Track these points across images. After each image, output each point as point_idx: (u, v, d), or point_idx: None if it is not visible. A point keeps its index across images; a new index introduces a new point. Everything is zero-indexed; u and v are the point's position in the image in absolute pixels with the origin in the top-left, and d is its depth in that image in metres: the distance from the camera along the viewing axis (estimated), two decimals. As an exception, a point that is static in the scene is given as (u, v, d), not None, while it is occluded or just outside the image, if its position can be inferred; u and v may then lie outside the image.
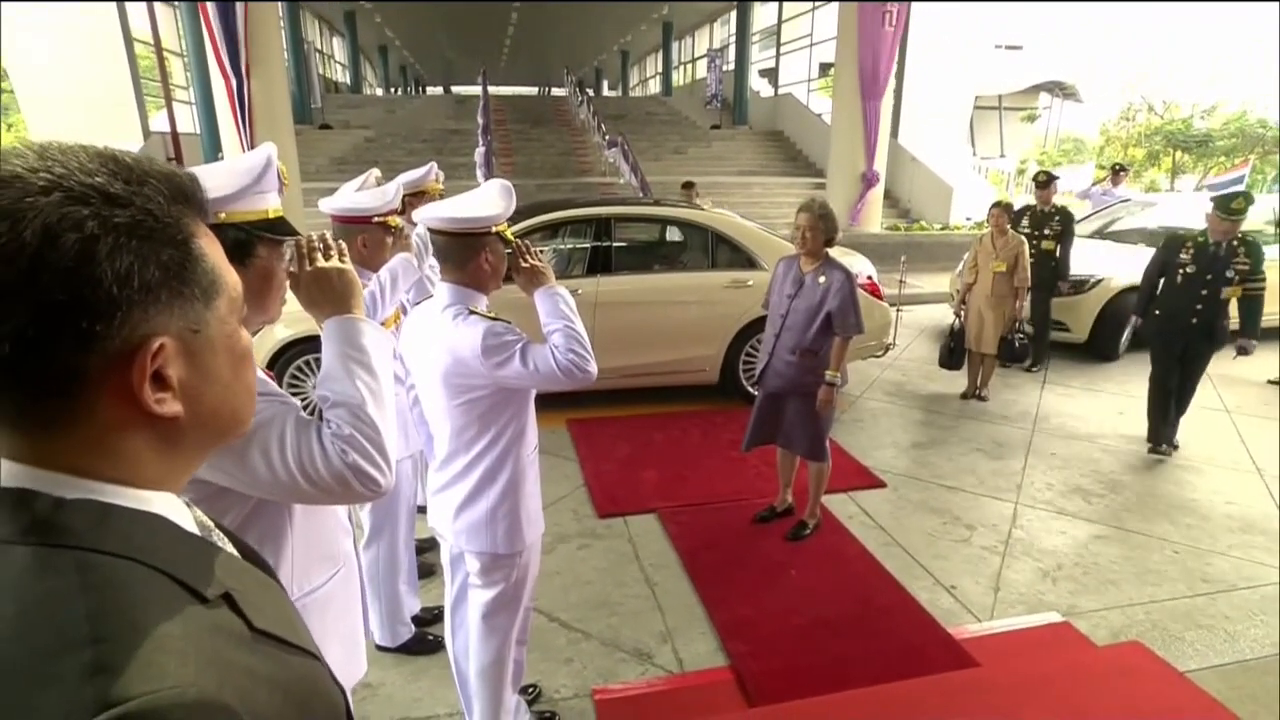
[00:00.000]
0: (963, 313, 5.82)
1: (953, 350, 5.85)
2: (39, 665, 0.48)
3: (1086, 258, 7.04)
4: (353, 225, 2.61)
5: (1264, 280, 4.58)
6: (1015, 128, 27.28)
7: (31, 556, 0.54)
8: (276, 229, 1.30)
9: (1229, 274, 4.49)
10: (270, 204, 1.30)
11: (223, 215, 1.21)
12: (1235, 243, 4.50)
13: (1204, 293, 4.53)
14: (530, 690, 2.67)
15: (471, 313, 1.94)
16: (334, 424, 1.16)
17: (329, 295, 1.28)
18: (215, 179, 1.22)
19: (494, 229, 1.98)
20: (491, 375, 1.92)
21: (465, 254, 1.97)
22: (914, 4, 11.42)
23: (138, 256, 0.56)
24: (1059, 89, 26.55)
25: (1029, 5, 24.82)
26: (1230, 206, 4.41)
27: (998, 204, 5.76)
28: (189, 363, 0.62)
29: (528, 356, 1.90)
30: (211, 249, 0.64)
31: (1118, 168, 9.99)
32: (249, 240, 1.26)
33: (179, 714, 0.48)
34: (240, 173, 1.25)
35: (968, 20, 15.94)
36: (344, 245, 1.36)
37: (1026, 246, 5.62)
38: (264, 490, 1.15)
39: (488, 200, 2.00)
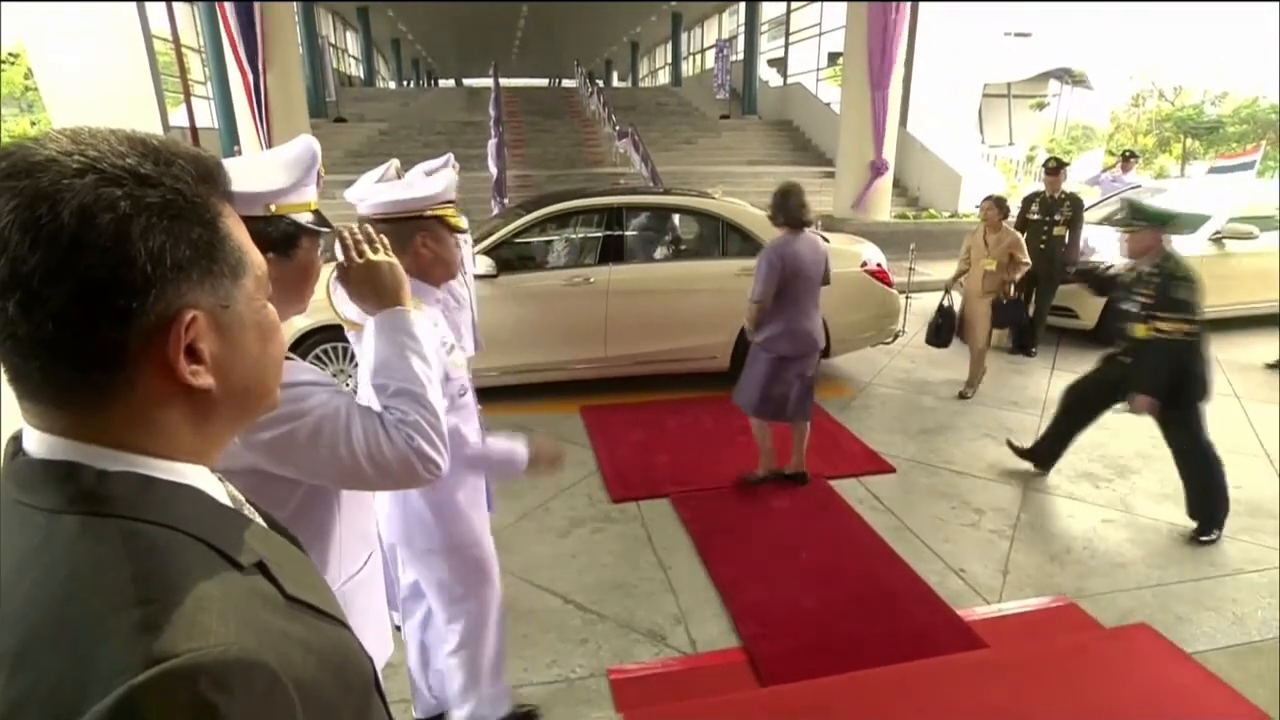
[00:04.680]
0: (954, 291, 5.68)
1: (939, 327, 5.65)
2: (92, 624, 0.51)
3: (1095, 244, 7.04)
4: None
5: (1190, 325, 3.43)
6: (1024, 115, 27.05)
7: (79, 525, 0.56)
8: (316, 221, 1.30)
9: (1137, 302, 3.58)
10: (310, 196, 1.30)
11: (273, 208, 1.21)
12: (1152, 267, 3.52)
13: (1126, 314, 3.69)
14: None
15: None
16: (396, 410, 1.21)
17: (380, 288, 1.32)
18: (268, 172, 1.22)
19: (429, 212, 1.85)
20: None
21: (400, 240, 1.81)
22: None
23: (169, 235, 0.58)
24: (1069, 76, 26.34)
25: (1039, -7, 24.64)
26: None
27: (989, 197, 5.49)
28: (220, 337, 0.64)
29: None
30: (236, 228, 0.66)
31: (1128, 154, 9.92)
32: (295, 233, 1.26)
33: (222, 670, 0.50)
34: (292, 165, 1.24)
35: (976, 8, 15.81)
36: (385, 237, 1.40)
37: (1023, 239, 5.44)
38: (327, 476, 1.20)
39: (422, 184, 1.89)
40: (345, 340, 4.50)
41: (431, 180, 1.88)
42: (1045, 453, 4.29)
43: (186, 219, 0.60)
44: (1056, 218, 6.35)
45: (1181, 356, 3.46)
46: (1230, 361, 6.26)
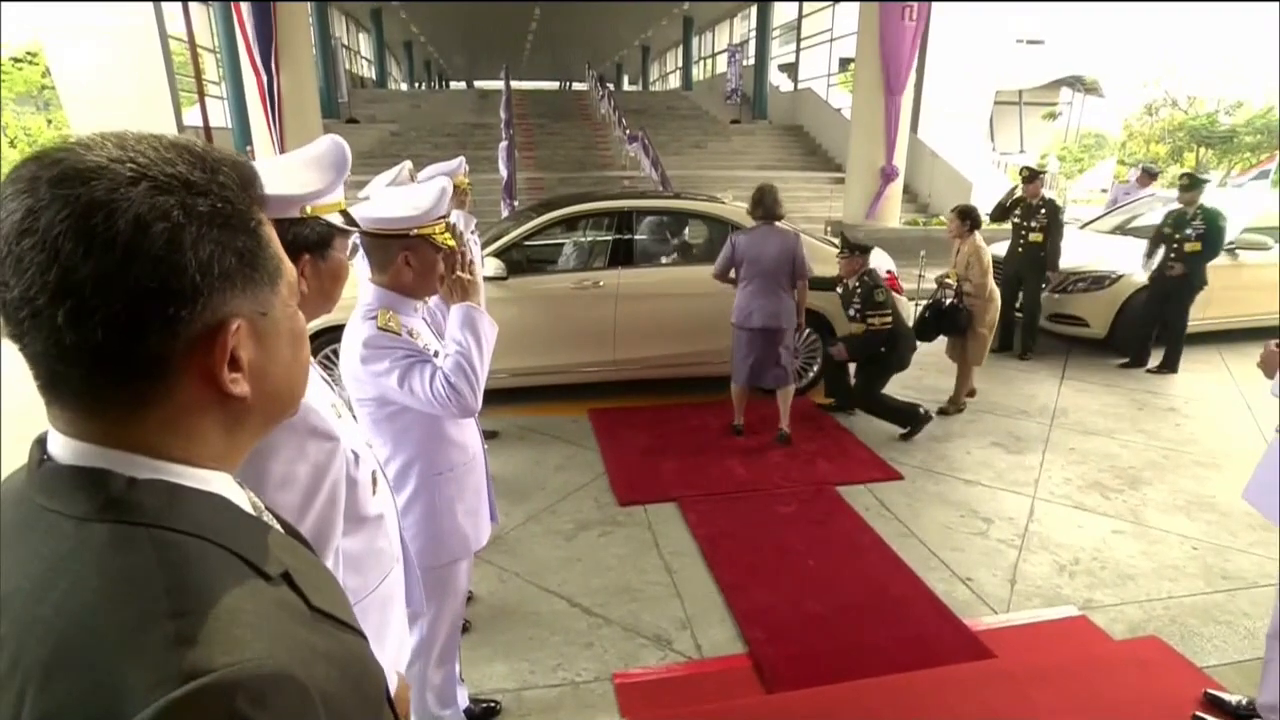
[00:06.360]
0: (945, 287, 5.50)
1: (925, 322, 5.48)
2: (125, 636, 0.50)
3: (1107, 254, 7.03)
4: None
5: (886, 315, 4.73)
6: (1036, 123, 26.96)
7: (109, 533, 0.56)
8: (346, 221, 1.30)
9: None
10: (340, 196, 1.28)
11: (309, 209, 1.19)
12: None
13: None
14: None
15: (377, 316, 1.85)
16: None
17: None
18: (303, 174, 1.19)
19: (415, 231, 1.84)
20: (375, 384, 1.85)
21: (384, 255, 1.87)
22: (935, 1, 11.32)
23: (218, 244, 0.58)
24: (1080, 84, 26.25)
25: (1051, 1, 24.57)
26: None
27: (953, 209, 5.56)
28: (257, 344, 0.64)
29: (408, 376, 1.80)
30: (273, 235, 0.66)
31: (1149, 171, 9.81)
32: (329, 233, 1.27)
33: (257, 685, 0.50)
34: (326, 167, 1.22)
35: (989, 15, 15.77)
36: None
37: (983, 254, 5.29)
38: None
39: (410, 200, 1.88)
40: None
41: (417, 200, 1.86)
42: (842, 398, 5.42)
43: (233, 227, 0.60)
44: (1033, 223, 6.53)
45: (885, 337, 4.81)
46: (1244, 374, 6.22)
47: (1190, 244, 6.13)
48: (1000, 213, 6.93)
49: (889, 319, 4.77)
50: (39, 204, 0.53)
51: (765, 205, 4.62)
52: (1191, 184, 6.24)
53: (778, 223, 4.67)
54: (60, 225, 0.53)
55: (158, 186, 0.55)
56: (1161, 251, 6.36)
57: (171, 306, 0.56)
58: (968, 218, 5.38)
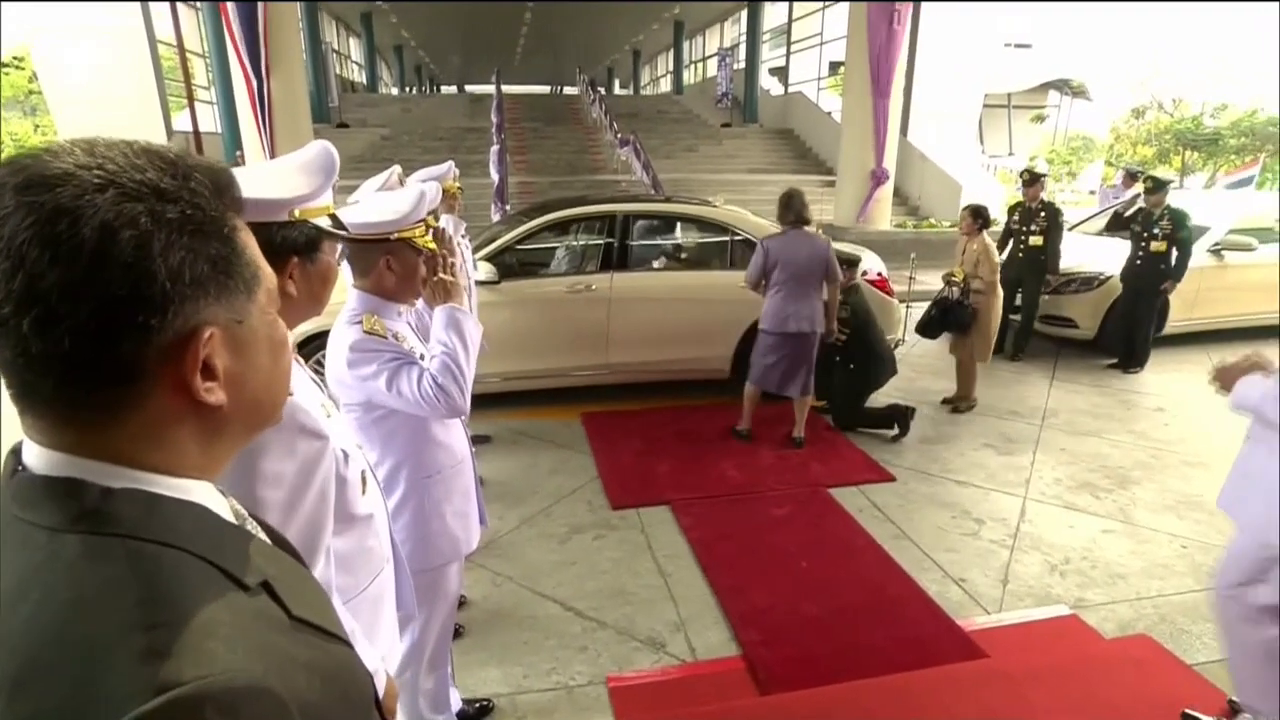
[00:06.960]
0: (952, 285, 5.51)
1: (931, 320, 5.54)
2: (96, 648, 0.50)
3: (1095, 255, 7.08)
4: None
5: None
6: (1024, 126, 27.14)
7: (82, 544, 0.55)
8: (334, 225, 1.31)
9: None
10: (328, 200, 1.30)
11: (296, 213, 1.20)
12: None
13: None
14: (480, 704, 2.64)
15: (362, 321, 1.86)
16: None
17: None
18: (291, 178, 1.20)
19: (396, 235, 1.84)
20: (362, 388, 1.85)
21: (366, 260, 1.87)
22: (923, 3, 11.38)
23: (189, 251, 0.57)
24: (1068, 87, 26.44)
25: (1038, 4, 24.76)
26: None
27: (966, 206, 5.59)
28: (234, 353, 0.63)
29: (396, 379, 1.81)
30: (250, 242, 0.65)
31: (1129, 172, 9.93)
32: (317, 237, 1.27)
33: (229, 698, 0.49)
34: (314, 171, 1.23)
35: (977, 18, 15.88)
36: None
37: (991, 253, 5.37)
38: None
39: (390, 205, 1.88)
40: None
41: (396, 205, 1.85)
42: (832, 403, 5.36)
43: (205, 234, 0.59)
44: (1033, 227, 6.55)
45: (830, 350, 5.00)
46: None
47: (1156, 243, 6.23)
48: (1008, 236, 6.84)
49: (842, 337, 5.01)
50: (3, 211, 0.53)
51: (794, 209, 4.63)
52: (1156, 186, 6.35)
53: (806, 227, 4.65)
54: (25, 232, 0.52)
55: (125, 193, 0.54)
56: (1130, 250, 6.47)
57: (141, 315, 0.55)
58: (979, 216, 5.46)
